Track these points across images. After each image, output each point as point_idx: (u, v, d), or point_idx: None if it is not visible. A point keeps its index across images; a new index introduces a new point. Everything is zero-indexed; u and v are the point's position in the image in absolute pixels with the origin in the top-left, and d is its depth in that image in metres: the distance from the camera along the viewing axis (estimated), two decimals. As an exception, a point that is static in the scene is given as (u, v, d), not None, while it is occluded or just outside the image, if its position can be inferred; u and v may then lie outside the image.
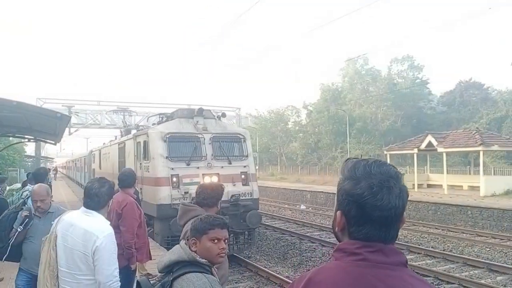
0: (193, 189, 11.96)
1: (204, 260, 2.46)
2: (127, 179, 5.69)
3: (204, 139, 12.66)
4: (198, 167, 12.34)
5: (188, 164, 12.30)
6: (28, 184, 7.77)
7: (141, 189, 12.91)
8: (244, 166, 12.90)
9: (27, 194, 6.43)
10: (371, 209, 1.31)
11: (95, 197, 3.43)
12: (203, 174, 12.31)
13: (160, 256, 2.65)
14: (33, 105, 12.94)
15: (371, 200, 1.31)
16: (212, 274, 2.48)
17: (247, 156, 13.12)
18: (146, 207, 11.49)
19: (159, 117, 14.74)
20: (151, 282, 2.52)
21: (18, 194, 7.91)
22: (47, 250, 3.42)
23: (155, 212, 11.95)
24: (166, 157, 12.16)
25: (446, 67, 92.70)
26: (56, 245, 3.38)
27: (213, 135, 12.84)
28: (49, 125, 14.02)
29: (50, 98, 34.66)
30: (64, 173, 73.11)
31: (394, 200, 1.32)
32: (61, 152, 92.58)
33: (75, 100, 38.67)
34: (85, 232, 3.27)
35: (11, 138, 26.36)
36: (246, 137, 13.37)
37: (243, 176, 12.76)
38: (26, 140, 21.30)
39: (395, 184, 1.35)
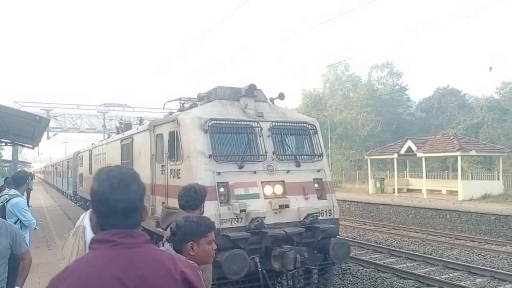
0: (251, 206, 7.13)
1: (192, 262, 2.15)
2: None
3: (261, 129, 7.77)
4: (254, 172, 7.43)
5: (240, 167, 7.38)
6: (7, 189, 6.61)
7: (163, 204, 7.89)
8: (318, 171, 8.08)
9: (6, 198, 5.80)
10: (114, 202, 1.51)
11: None
12: (262, 183, 7.43)
13: None
14: (10, 108, 11.58)
15: (111, 195, 1.51)
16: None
17: (321, 155, 8.30)
18: None
19: (180, 103, 9.64)
20: None
21: None
22: (73, 242, 3.44)
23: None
24: (210, 156, 7.20)
25: (425, 74, 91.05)
26: (84, 236, 3.35)
27: (273, 123, 7.97)
28: (27, 128, 12.77)
29: (28, 101, 32.82)
30: (42, 179, 65.40)
31: (132, 194, 1.55)
32: (39, 157, 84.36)
33: (53, 103, 36.64)
34: None
35: None
36: (317, 128, 8.55)
37: (316, 185, 7.93)
38: (3, 144, 19.50)
39: (133, 182, 1.58)
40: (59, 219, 16.12)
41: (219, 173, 7.13)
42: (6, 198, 5.76)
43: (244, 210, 6.93)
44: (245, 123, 7.74)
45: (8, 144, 19.22)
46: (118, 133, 15.17)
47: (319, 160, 8.17)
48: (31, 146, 18.33)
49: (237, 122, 7.71)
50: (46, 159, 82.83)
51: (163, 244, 2.68)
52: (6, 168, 46.53)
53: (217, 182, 7.06)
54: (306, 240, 7.39)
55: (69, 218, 17.99)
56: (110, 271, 1.42)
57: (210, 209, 6.90)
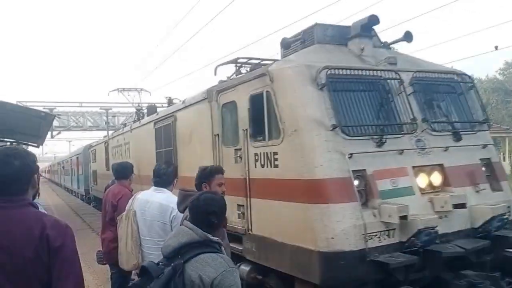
0: (404, 208, 4.14)
1: (216, 238, 2.26)
2: (124, 171, 5.00)
3: (402, 83, 4.77)
4: (401, 152, 4.44)
5: (379, 145, 4.39)
6: None
7: (240, 206, 5.00)
8: (484, 147, 5.06)
9: None
10: None
11: (163, 176, 3.77)
12: (414, 168, 4.45)
13: (166, 241, 2.32)
14: (16, 105, 11.29)
15: None
16: (221, 252, 2.25)
17: (485, 122, 5.27)
18: (271, 257, 4.52)
19: (236, 66, 6.56)
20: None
21: None
22: (126, 225, 3.67)
23: (313, 274, 4.02)
24: (333, 128, 4.21)
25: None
26: (136, 220, 3.62)
27: (415, 74, 4.94)
28: (33, 126, 12.26)
29: (31, 101, 29.49)
30: (47, 178, 62.49)
31: (10, 170, 1.91)
32: (43, 156, 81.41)
33: (56, 102, 34.59)
34: (160, 205, 3.59)
35: None
36: (473, 82, 5.51)
37: (484, 169, 4.95)
38: (8, 143, 17.72)
39: (13, 160, 1.93)
40: (68, 217, 15.01)
41: (351, 155, 4.15)
42: None
43: (405, 217, 3.96)
44: (378, 73, 4.73)
45: (13, 143, 17.65)
46: (138, 119, 12.28)
47: (482, 130, 5.17)
48: (36, 145, 17.27)
49: (368, 73, 4.69)
50: (50, 158, 79.85)
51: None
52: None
53: (352, 171, 4.09)
54: (481, 259, 4.45)
55: (78, 215, 16.75)
56: None
57: (345, 218, 3.96)
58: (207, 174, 3.49)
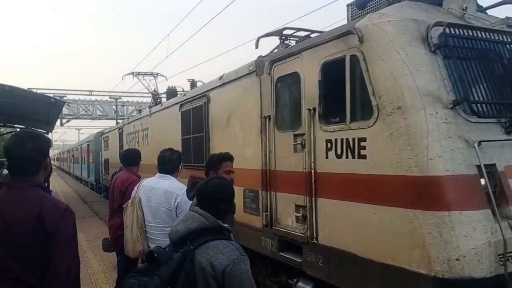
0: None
1: (226, 225, 2.15)
2: (132, 157, 4.96)
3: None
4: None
5: (509, 131, 3.18)
6: None
7: (300, 207, 3.80)
8: None
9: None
10: (12, 157, 2.07)
11: (168, 163, 3.69)
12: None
13: (173, 227, 2.18)
14: (26, 90, 10.38)
15: (11, 152, 2.06)
16: (231, 239, 2.15)
17: None
18: (347, 276, 3.38)
19: (280, 39, 5.30)
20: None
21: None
22: (132, 212, 3.64)
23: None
24: (453, 106, 3.00)
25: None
26: (141, 207, 3.58)
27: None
28: (42, 112, 11.86)
29: (41, 88, 29.20)
30: (57, 166, 61.88)
31: (25, 152, 2.03)
32: (52, 144, 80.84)
33: (66, 90, 36.55)
34: (166, 192, 3.54)
35: (1, 130, 23.23)
36: None
37: None
38: (18, 129, 17.10)
39: (27, 142, 2.05)
40: (75, 204, 14.70)
41: (479, 143, 2.95)
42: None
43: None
44: (506, 38, 3.50)
45: (23, 129, 17.20)
46: (156, 104, 11.17)
47: None
48: (45, 131, 16.48)
49: (492, 36, 3.46)
50: (59, 145, 79.34)
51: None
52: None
53: (483, 165, 2.89)
54: None
55: (85, 202, 16.26)
56: None
57: (476, 232, 2.77)
58: (214, 162, 3.44)
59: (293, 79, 4.16)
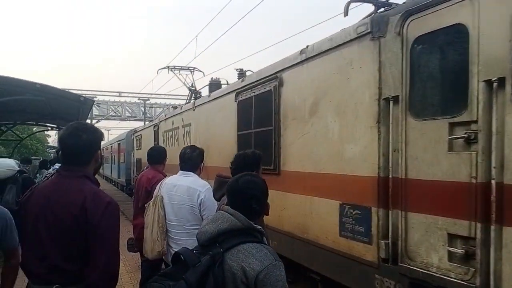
0: None
1: (259, 227, 1.90)
2: (158, 155, 4.77)
3: None
4: None
5: None
6: (52, 167, 7.64)
7: (468, 241, 2.22)
8: None
9: (51, 173, 5.74)
10: (67, 146, 2.09)
11: (189, 160, 3.50)
12: None
13: (202, 227, 1.91)
14: (56, 88, 9.82)
15: (66, 141, 2.08)
16: (264, 242, 1.91)
17: None
18: None
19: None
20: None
21: (40, 178, 7.96)
22: (153, 211, 3.45)
23: None
24: None
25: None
26: (163, 205, 3.41)
27: None
28: (72, 111, 11.58)
29: (72, 88, 29.72)
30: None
31: (80, 141, 2.07)
32: (103, 138, 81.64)
33: (96, 91, 35.32)
34: (188, 189, 3.33)
35: (34, 129, 23.29)
36: None
37: None
38: (49, 128, 18.53)
39: (82, 133, 2.07)
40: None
41: None
42: (51, 173, 5.11)
43: None
44: None
45: (54, 128, 17.91)
46: (195, 99, 9.87)
47: None
48: None
49: None
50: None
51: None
52: (52, 154, 43.69)
53: None
54: None
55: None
56: (47, 189, 2.09)
57: None
58: (255, 161, 3.02)
59: (452, 35, 2.61)
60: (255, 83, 5.21)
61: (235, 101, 5.78)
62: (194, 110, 7.81)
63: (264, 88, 4.95)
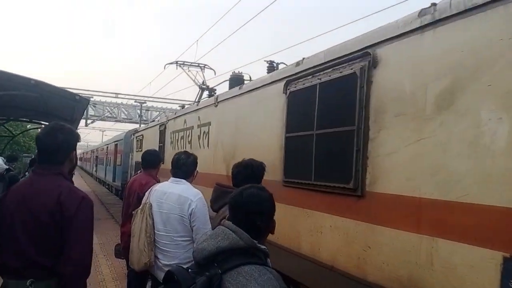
0: None
1: (263, 247, 1.66)
2: (153, 159, 4.49)
3: None
4: None
5: None
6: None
7: None
8: None
9: None
10: (42, 146, 2.21)
11: (183, 166, 3.31)
12: None
13: (199, 244, 1.66)
14: (51, 85, 9.24)
15: (41, 140, 2.22)
16: (268, 264, 1.66)
17: None
18: None
19: None
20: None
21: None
22: (141, 219, 3.24)
23: None
24: None
25: None
26: (151, 213, 3.21)
27: None
28: (67, 109, 11.21)
29: (68, 88, 28.00)
30: (78, 166, 60.04)
31: (55, 141, 2.19)
32: (80, 140, 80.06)
33: (93, 91, 35.02)
34: (179, 197, 3.14)
35: (28, 126, 22.91)
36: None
37: None
38: (43, 126, 16.80)
39: (57, 132, 2.20)
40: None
41: None
42: None
43: None
44: None
45: None
46: (209, 96, 8.51)
47: None
48: None
49: None
50: (83, 145, 77.85)
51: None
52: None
53: None
54: None
55: (103, 204, 15.40)
56: (23, 187, 2.21)
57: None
58: (262, 174, 2.89)
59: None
60: (323, 66, 3.69)
61: (284, 92, 4.26)
62: (216, 106, 6.25)
63: (340, 72, 3.43)
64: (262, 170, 2.89)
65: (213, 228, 2.57)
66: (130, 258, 3.39)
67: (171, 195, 3.19)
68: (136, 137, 13.20)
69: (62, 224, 2.04)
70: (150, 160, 4.45)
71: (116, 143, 18.93)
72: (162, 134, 9.47)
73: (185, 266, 2.61)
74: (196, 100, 9.27)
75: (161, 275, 2.98)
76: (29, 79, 8.44)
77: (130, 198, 4.27)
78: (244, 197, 1.74)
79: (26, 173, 9.18)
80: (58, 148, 2.18)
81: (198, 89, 10.48)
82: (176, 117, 8.52)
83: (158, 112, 30.64)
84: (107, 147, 22.98)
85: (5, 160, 8.69)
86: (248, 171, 2.80)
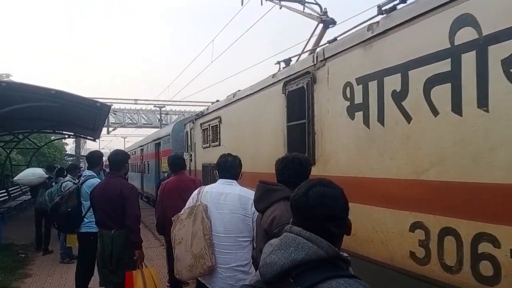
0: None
1: (345, 255, 1.32)
2: (183, 162, 5.05)
3: None
4: None
5: None
6: (68, 176, 7.59)
7: None
8: None
9: (82, 180, 5.20)
10: (111, 158, 4.48)
11: (231, 169, 3.24)
12: None
13: (266, 257, 1.30)
14: (72, 94, 9.21)
15: (109, 158, 4.59)
16: (354, 275, 1.28)
17: None
18: None
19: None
20: None
21: (57, 185, 7.53)
22: (192, 223, 3.07)
23: None
24: None
25: None
26: (208, 215, 3.04)
27: None
28: (89, 117, 11.25)
29: (88, 96, 28.41)
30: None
31: (115, 157, 4.42)
32: (130, 156, 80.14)
33: (112, 98, 35.59)
34: (240, 197, 3.04)
35: (52, 137, 22.72)
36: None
37: None
38: (66, 136, 18.56)
39: (119, 154, 4.46)
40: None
41: None
42: (82, 180, 5.06)
43: None
44: None
45: (71, 136, 18.01)
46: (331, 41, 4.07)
47: None
48: (92, 138, 16.53)
49: None
50: (106, 153, 79.48)
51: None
52: (69, 162, 43.73)
53: None
54: None
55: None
56: (103, 183, 4.35)
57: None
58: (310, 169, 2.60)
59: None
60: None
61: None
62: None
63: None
64: (310, 166, 2.58)
65: (260, 231, 2.47)
66: (176, 267, 3.18)
67: (231, 195, 3.08)
68: (202, 124, 8.19)
69: (123, 201, 3.96)
70: (179, 163, 4.95)
71: (157, 142, 13.83)
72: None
73: (244, 269, 2.98)
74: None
75: (215, 281, 3.02)
76: (49, 90, 8.31)
77: (180, 199, 4.05)
78: (310, 199, 1.38)
79: (53, 183, 8.74)
80: (119, 162, 4.25)
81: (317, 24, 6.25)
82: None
83: (177, 116, 30.17)
84: (147, 146, 16.42)
85: (45, 170, 10.02)
86: (296, 165, 2.50)
